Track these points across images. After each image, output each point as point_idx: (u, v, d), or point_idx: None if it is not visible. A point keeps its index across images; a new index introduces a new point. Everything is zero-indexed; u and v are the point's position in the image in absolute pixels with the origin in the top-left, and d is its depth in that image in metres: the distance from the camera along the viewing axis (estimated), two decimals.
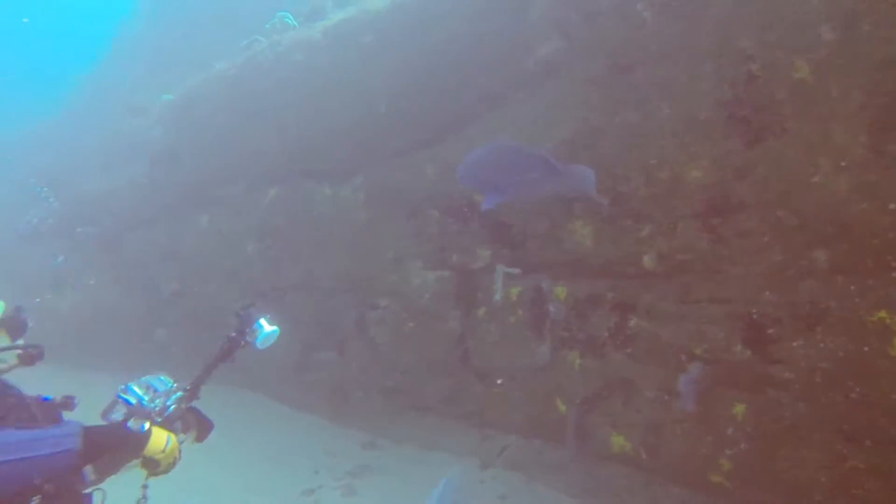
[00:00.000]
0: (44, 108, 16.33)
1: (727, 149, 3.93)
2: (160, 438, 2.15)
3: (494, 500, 5.21)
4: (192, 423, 2.41)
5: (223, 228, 8.32)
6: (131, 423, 2.21)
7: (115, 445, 2.06)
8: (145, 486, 2.24)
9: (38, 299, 9.77)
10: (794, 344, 3.69)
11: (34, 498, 1.80)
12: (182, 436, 2.33)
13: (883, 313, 3.38)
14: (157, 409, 2.30)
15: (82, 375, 9.78)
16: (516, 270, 5.69)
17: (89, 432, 1.92)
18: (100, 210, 10.36)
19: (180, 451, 2.24)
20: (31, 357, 2.37)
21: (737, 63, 3.91)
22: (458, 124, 5.85)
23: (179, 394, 2.38)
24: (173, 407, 2.33)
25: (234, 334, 2.56)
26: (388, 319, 6.69)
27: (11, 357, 2.39)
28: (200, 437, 2.44)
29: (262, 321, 2.60)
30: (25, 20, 24.96)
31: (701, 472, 4.10)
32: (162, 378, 2.40)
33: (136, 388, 2.31)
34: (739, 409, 3.77)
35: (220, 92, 8.22)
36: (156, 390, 2.34)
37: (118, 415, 2.26)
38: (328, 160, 6.99)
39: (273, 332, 2.64)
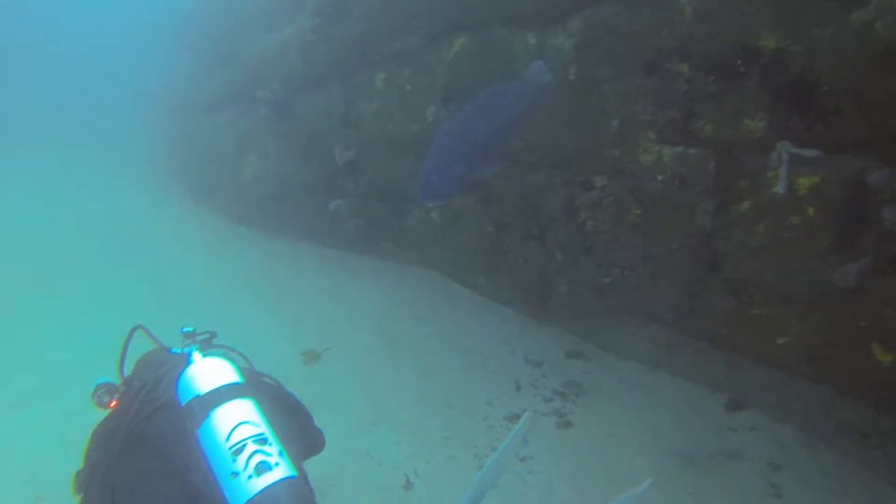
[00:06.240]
0: None
1: None
2: None
3: (760, 465, 3.95)
4: None
5: (401, 88, 7.13)
6: None
7: None
8: None
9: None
10: None
11: None
12: None
13: None
14: None
15: (265, 242, 9.73)
16: (813, 152, 3.97)
17: None
18: (270, 74, 9.57)
19: None
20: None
21: None
22: None
23: None
24: None
25: None
26: (607, 203, 5.30)
27: None
28: None
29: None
30: None
31: None
32: None
33: None
34: None
35: None
36: None
37: None
38: None
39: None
